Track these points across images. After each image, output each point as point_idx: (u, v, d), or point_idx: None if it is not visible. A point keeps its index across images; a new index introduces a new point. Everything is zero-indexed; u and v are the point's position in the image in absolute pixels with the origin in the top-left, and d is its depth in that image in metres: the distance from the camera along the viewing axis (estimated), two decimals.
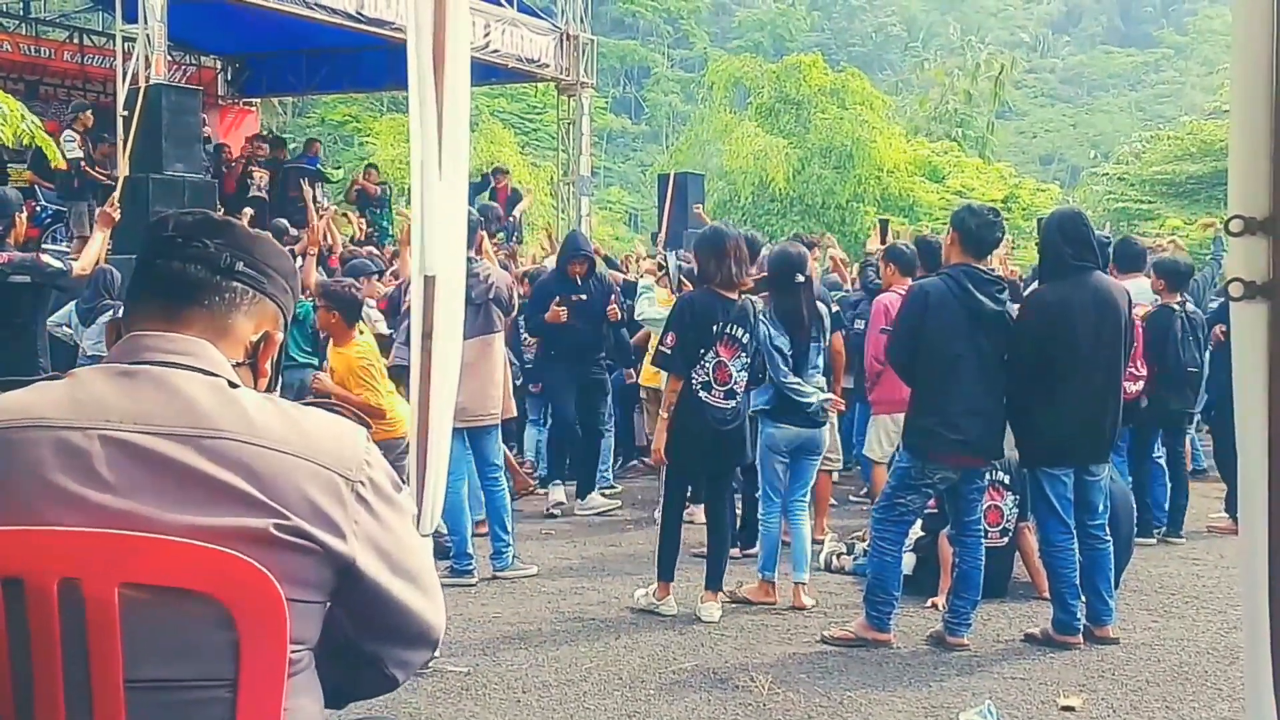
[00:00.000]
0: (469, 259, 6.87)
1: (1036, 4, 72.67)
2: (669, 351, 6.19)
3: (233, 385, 1.77)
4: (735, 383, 6.12)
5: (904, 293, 7.56)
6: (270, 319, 1.91)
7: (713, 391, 6.10)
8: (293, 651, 1.68)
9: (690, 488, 6.83)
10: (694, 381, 6.08)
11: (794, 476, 6.63)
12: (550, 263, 10.19)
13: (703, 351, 6.07)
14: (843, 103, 30.37)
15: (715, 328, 6.08)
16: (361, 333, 6.63)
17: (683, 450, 6.21)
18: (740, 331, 6.11)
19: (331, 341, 6.66)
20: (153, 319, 1.81)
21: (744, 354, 6.12)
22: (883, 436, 7.93)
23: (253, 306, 1.88)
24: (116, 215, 7.32)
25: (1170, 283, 8.18)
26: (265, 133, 20.15)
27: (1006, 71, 41.43)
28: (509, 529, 7.08)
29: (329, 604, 1.76)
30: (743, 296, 6.20)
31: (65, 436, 1.64)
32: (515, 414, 7.44)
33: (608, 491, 9.52)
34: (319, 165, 17.31)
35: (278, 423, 1.72)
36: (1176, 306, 8.08)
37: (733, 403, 6.13)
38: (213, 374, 1.76)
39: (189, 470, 1.64)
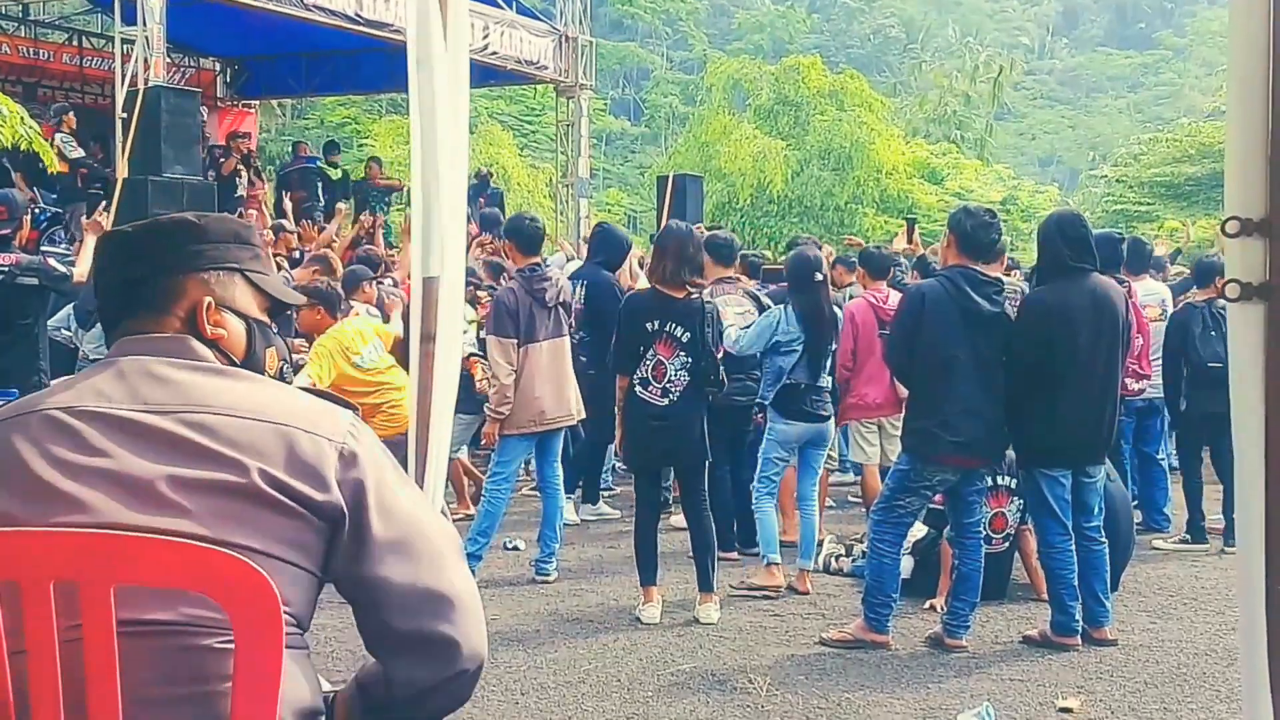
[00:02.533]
0: (538, 264, 6.93)
1: (1034, 6, 72.61)
2: (613, 349, 6.33)
3: (220, 368, 1.86)
4: (671, 382, 6.11)
5: (873, 298, 7.63)
6: (198, 288, 1.91)
7: (649, 388, 6.13)
8: (285, 617, 1.67)
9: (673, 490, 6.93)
10: (635, 379, 6.15)
11: (803, 468, 6.90)
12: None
13: (642, 349, 6.11)
14: (841, 104, 30.34)
15: (650, 326, 6.09)
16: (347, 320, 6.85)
17: (628, 447, 6.34)
18: (680, 331, 6.09)
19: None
20: (129, 327, 1.90)
21: (683, 353, 6.10)
22: (860, 441, 7.95)
23: (166, 297, 1.90)
24: (106, 224, 7.39)
25: (1197, 278, 8.20)
26: (261, 133, 20.17)
27: (1006, 74, 41.42)
28: (560, 536, 7.09)
29: (320, 578, 1.77)
30: (690, 295, 6.16)
31: (57, 415, 1.74)
32: (586, 416, 7.47)
33: (607, 495, 9.53)
34: (319, 164, 17.30)
35: (264, 399, 1.80)
36: (1200, 303, 8.01)
37: (667, 401, 6.13)
38: (199, 362, 1.85)
39: (173, 436, 1.72)
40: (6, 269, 6.75)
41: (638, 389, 6.15)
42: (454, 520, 7.62)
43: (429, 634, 1.78)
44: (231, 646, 1.63)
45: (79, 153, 13.12)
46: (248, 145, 16.65)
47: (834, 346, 6.97)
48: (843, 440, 8.68)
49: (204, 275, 1.92)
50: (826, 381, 6.82)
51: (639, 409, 6.17)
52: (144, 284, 1.90)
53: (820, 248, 8.95)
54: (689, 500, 6.41)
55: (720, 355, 6.28)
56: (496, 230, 13.70)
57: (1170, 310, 8.56)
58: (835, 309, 7.01)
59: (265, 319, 2.00)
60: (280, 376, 1.85)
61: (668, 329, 6.09)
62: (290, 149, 18.19)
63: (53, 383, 1.92)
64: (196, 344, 1.87)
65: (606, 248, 8.50)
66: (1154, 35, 70.74)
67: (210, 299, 1.91)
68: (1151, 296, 8.37)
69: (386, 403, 6.50)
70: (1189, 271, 8.42)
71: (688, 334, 6.09)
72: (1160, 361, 8.19)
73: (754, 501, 6.83)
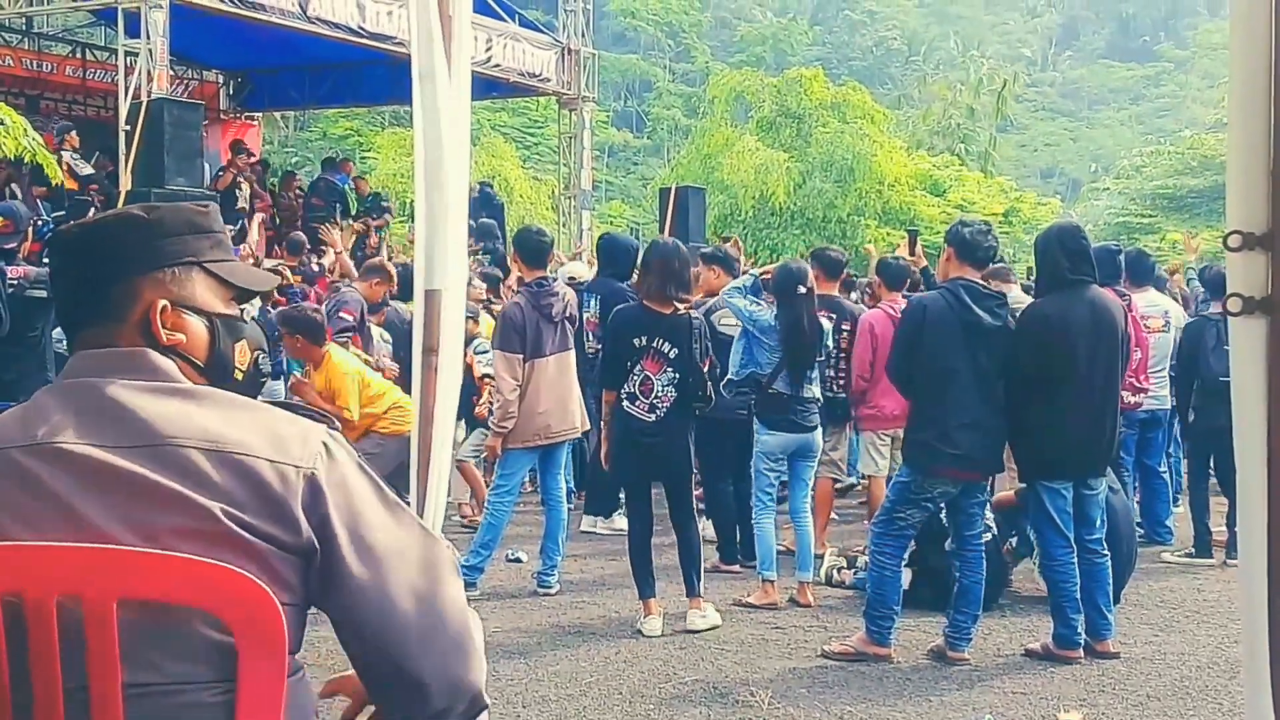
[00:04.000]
0: (545, 277, 6.94)
1: (1036, 18, 72.75)
2: (601, 364, 6.38)
3: (181, 388, 1.75)
4: (658, 397, 6.13)
5: (890, 309, 7.64)
6: (152, 289, 1.79)
7: (636, 403, 6.15)
8: None
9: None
10: (622, 394, 6.18)
11: (793, 480, 6.87)
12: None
13: (630, 365, 6.13)
14: (844, 117, 30.35)
15: (638, 342, 6.12)
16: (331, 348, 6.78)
17: (615, 461, 6.35)
18: (668, 347, 6.11)
19: (309, 367, 6.76)
20: (86, 339, 1.79)
21: (670, 369, 6.11)
22: (873, 452, 7.94)
23: (120, 303, 1.78)
24: None
25: (1210, 291, 8.18)
26: (261, 145, 20.22)
27: (1009, 86, 41.43)
28: (562, 549, 7.10)
29: (303, 605, 1.73)
30: (679, 311, 6.17)
31: (17, 458, 1.65)
32: (589, 428, 7.48)
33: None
34: (347, 184, 17.33)
35: (226, 424, 1.69)
36: (1215, 316, 7.94)
37: (654, 416, 6.14)
38: (158, 382, 1.74)
39: (136, 478, 1.63)
40: (16, 281, 6.76)
41: (625, 404, 6.17)
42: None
43: (402, 671, 1.73)
44: (224, 698, 1.62)
45: (89, 169, 13.14)
46: (250, 161, 16.66)
47: (820, 358, 6.93)
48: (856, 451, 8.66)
49: (158, 275, 1.78)
50: (812, 392, 6.78)
51: (626, 424, 6.19)
52: (95, 288, 1.77)
53: (847, 259, 8.95)
54: (677, 513, 6.42)
55: (707, 368, 6.27)
56: (491, 241, 13.69)
57: (1173, 322, 8.56)
58: (823, 321, 6.97)
59: (231, 311, 1.88)
60: (256, 366, 1.73)
61: (655, 345, 6.10)
62: (329, 160, 18.24)
63: (9, 410, 1.81)
64: (155, 356, 1.76)
65: (613, 258, 8.49)
66: (1155, 48, 70.86)
67: (165, 301, 1.78)
68: (1154, 308, 8.36)
69: (399, 399, 6.61)
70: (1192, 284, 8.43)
71: (675, 350, 6.11)
72: (1161, 374, 8.20)
73: (754, 516, 6.82)
